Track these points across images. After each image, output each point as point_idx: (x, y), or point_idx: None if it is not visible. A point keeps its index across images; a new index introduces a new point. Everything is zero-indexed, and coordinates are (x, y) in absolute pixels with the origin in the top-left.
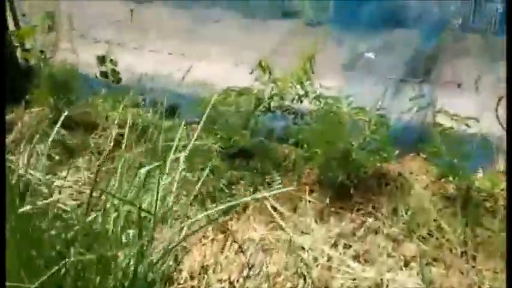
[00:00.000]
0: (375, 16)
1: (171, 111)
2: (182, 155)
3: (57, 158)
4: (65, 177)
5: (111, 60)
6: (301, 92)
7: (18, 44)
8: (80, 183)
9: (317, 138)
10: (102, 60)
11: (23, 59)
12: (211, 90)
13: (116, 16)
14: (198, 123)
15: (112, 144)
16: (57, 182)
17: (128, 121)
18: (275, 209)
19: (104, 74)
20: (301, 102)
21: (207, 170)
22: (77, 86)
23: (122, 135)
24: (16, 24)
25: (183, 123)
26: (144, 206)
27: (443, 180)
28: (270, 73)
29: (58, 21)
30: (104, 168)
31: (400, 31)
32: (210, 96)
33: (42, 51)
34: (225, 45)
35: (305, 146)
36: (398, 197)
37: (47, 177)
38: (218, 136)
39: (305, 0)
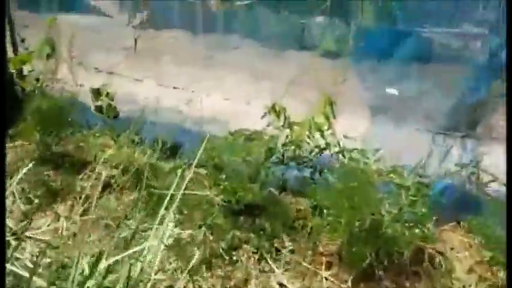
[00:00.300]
0: (402, 50)
1: (173, 151)
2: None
3: (36, 201)
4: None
5: (107, 93)
6: (321, 143)
7: (14, 71)
8: (56, 235)
9: (340, 201)
10: (97, 93)
11: (20, 86)
12: (220, 127)
13: (125, 42)
14: (202, 166)
15: (99, 190)
16: (29, 233)
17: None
18: (283, 285)
19: (99, 109)
20: (321, 155)
21: (203, 228)
22: (69, 119)
23: (113, 177)
24: (15, 49)
25: (183, 166)
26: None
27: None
28: (284, 117)
29: (58, 48)
30: (85, 217)
31: (431, 68)
32: (211, 138)
33: (37, 79)
34: (241, 74)
35: (325, 210)
36: (437, 282)
37: (21, 224)
38: (222, 187)
39: (324, 30)
